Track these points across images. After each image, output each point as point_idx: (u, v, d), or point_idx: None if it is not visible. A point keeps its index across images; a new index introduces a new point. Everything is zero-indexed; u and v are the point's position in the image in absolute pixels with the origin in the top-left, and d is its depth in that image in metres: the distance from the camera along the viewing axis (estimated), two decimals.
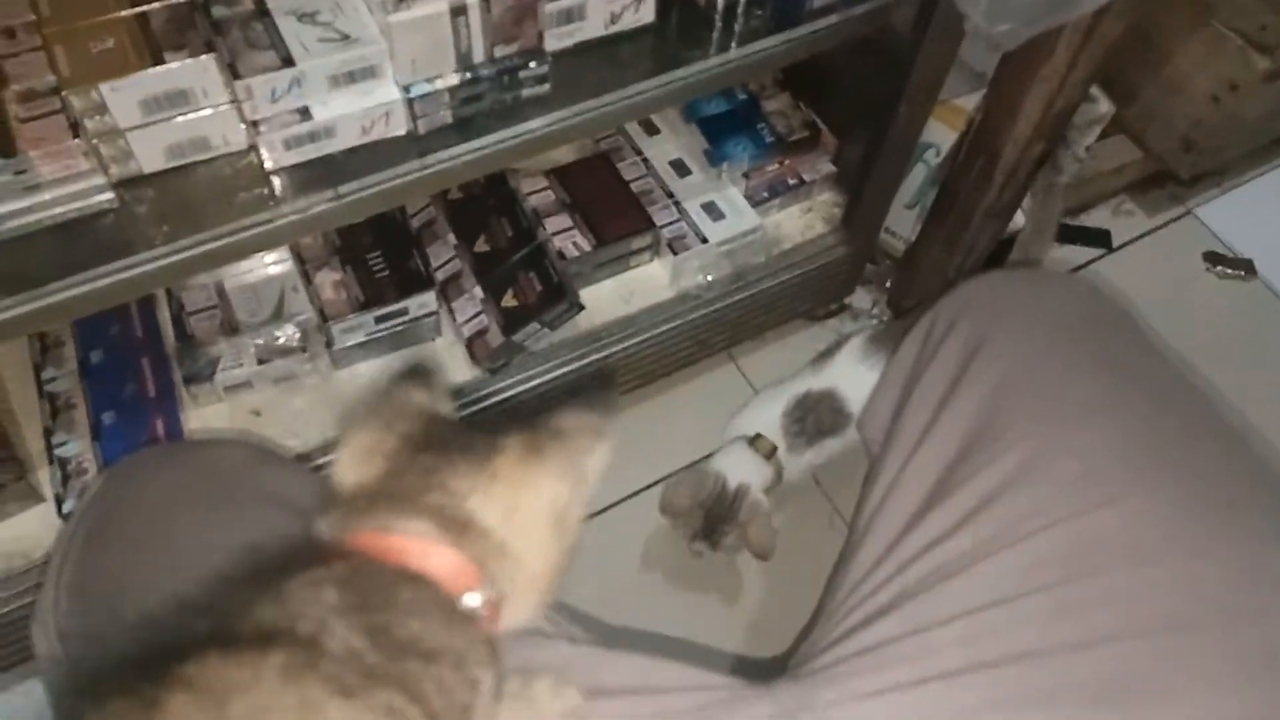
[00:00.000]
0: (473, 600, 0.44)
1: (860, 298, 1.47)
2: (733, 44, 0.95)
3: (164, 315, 1.08)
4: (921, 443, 0.66)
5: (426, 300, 1.10)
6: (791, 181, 1.30)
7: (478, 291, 1.14)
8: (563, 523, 0.47)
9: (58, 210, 0.76)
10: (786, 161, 1.29)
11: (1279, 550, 0.59)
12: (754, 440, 1.16)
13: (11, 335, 0.89)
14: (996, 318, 0.70)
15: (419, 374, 0.54)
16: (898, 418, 0.71)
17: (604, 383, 1.15)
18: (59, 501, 0.97)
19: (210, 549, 0.57)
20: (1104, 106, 1.32)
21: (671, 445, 1.31)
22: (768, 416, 1.18)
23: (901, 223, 1.36)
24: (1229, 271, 1.53)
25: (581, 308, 1.14)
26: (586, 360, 1.18)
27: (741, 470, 1.13)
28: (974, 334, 0.69)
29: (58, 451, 0.99)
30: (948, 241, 1.31)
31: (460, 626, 0.43)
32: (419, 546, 0.44)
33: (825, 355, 1.23)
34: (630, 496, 1.27)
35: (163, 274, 0.81)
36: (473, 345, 1.13)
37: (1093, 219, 1.60)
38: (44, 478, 1.00)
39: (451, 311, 1.14)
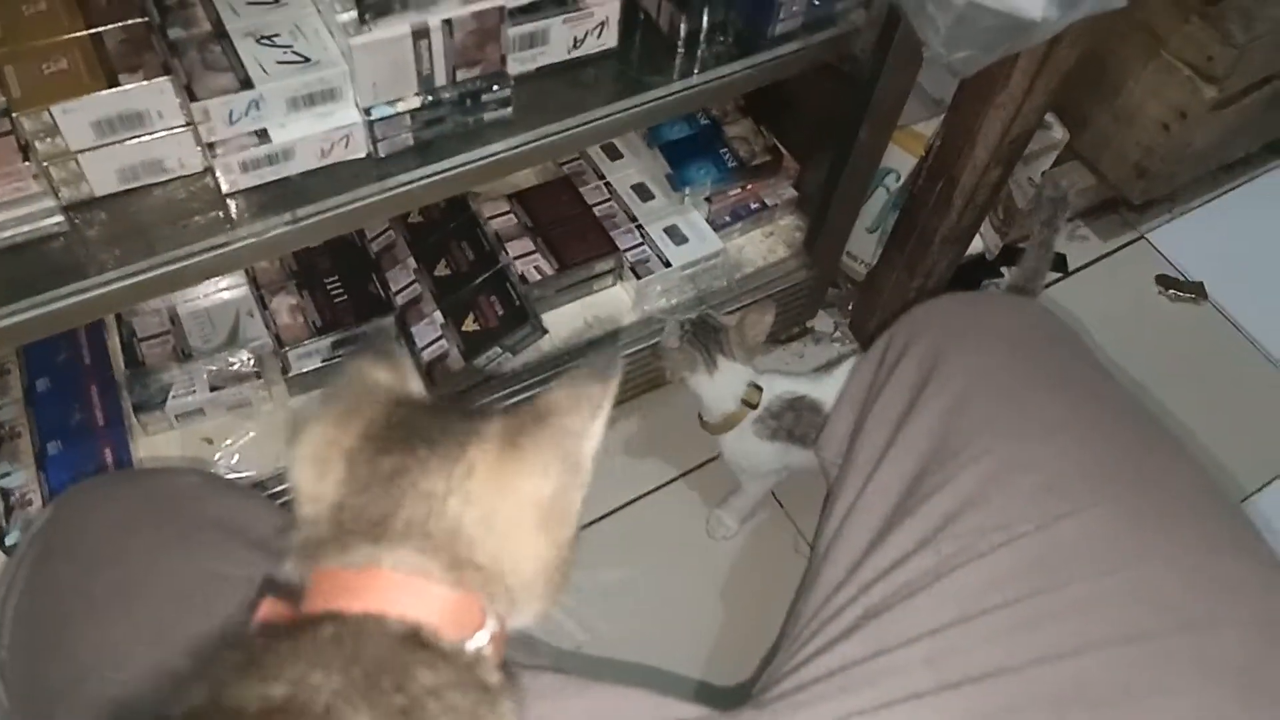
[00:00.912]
0: (481, 640, 0.40)
1: (823, 321, 1.48)
2: (695, 69, 0.95)
3: (114, 341, 1.05)
4: (880, 463, 0.66)
5: (384, 325, 1.09)
6: (754, 206, 1.31)
7: (438, 316, 1.12)
8: (555, 516, 0.42)
9: (5, 234, 0.74)
10: (749, 186, 1.30)
11: (1231, 558, 0.60)
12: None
13: None
14: (951, 338, 0.71)
15: (379, 350, 0.48)
16: (855, 439, 0.71)
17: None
18: (1, 534, 0.94)
19: (160, 575, 0.55)
20: (1058, 133, 1.35)
21: (635, 470, 1.31)
22: (774, 388, 1.14)
23: (863, 247, 1.37)
24: (1180, 295, 1.57)
25: (544, 331, 1.13)
26: (548, 383, 1.17)
27: (729, 370, 1.09)
28: (929, 354, 0.69)
29: (0, 482, 0.95)
30: (908, 265, 1.32)
31: (475, 681, 0.38)
32: (410, 586, 0.38)
33: (826, 368, 1.21)
34: (592, 523, 1.26)
35: (114, 298, 0.78)
36: (432, 370, 1.11)
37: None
38: None
39: (411, 336, 1.13)
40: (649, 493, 1.29)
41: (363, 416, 0.44)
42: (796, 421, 1.09)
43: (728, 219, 1.29)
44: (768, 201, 1.31)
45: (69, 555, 0.59)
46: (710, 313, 1.14)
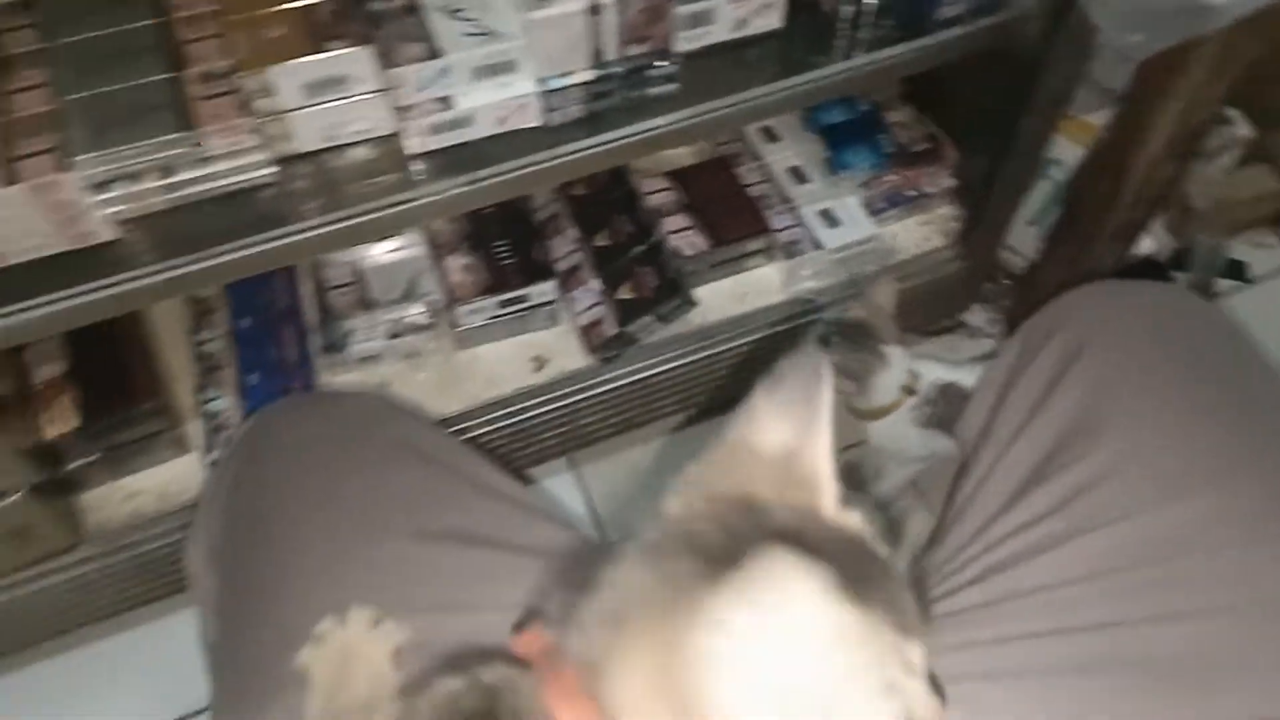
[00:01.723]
0: None
1: (976, 315, 1.45)
2: (857, 52, 0.97)
3: (306, 289, 1.16)
4: (1016, 439, 0.67)
5: (547, 288, 1.15)
6: (910, 193, 1.30)
7: (596, 283, 1.18)
8: None
9: (225, 182, 0.84)
10: (907, 173, 1.30)
11: None
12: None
13: (177, 292, 0.97)
14: (1096, 324, 0.70)
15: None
16: (993, 417, 0.72)
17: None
18: (206, 451, 1.06)
19: (342, 482, 0.63)
20: (1242, 130, 1.28)
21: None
22: (929, 374, 1.12)
23: (1023, 240, 1.34)
24: None
25: (694, 304, 1.17)
26: (697, 355, 1.21)
27: (894, 359, 1.10)
28: (1073, 340, 0.69)
29: (207, 407, 1.08)
30: (1070, 261, 1.29)
31: None
32: None
33: (981, 359, 1.20)
34: None
35: (311, 245, 0.88)
36: (588, 334, 1.17)
37: (1231, 249, 1.54)
38: (192, 430, 1.09)
39: (570, 300, 1.19)
40: None
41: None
42: (948, 409, 1.08)
43: (883, 205, 1.29)
44: (926, 189, 1.30)
45: (268, 460, 0.67)
46: (833, 317, 1.14)
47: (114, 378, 1.05)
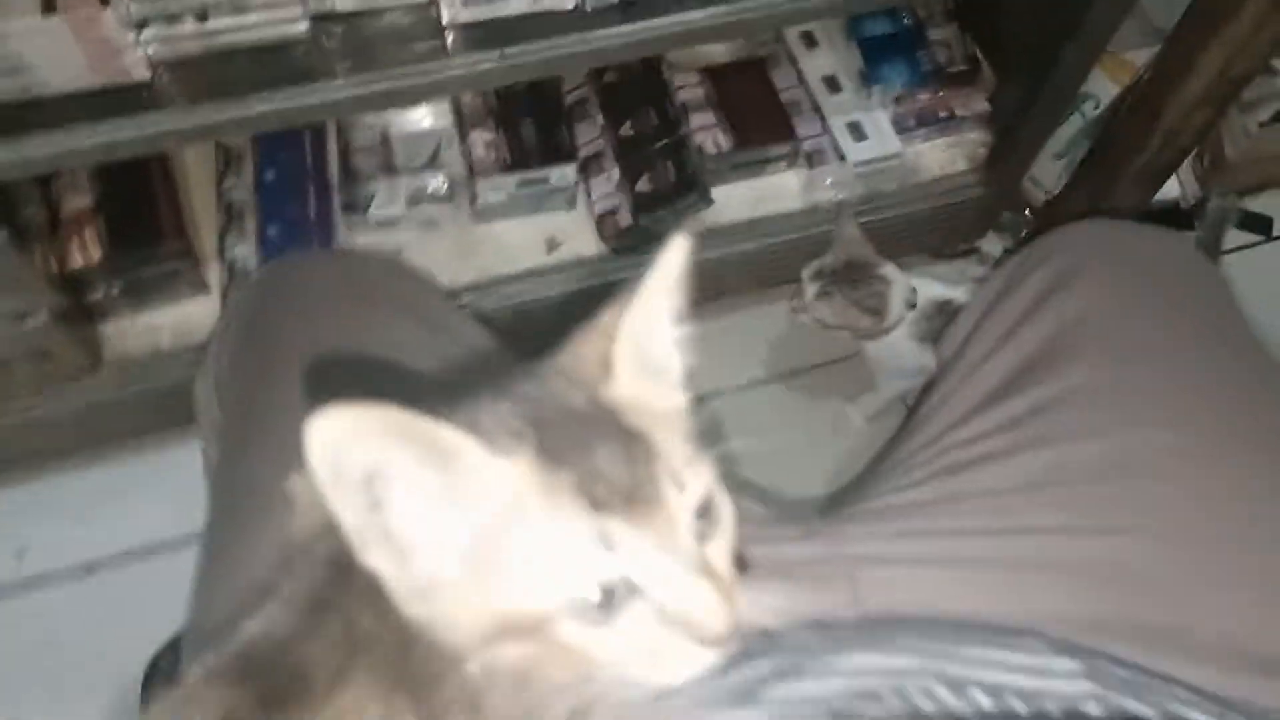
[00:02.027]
0: None
1: (991, 243, 1.46)
2: None
3: (332, 149, 1.17)
4: (985, 360, 0.69)
5: (567, 172, 1.17)
6: (942, 114, 1.29)
7: (615, 173, 1.19)
8: None
9: (258, 33, 0.85)
10: (941, 93, 1.29)
11: None
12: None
13: (204, 138, 1.00)
14: (1088, 257, 0.72)
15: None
16: (969, 337, 0.74)
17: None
18: (223, 295, 1.10)
19: (345, 334, 0.66)
20: None
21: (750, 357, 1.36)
22: (925, 290, 1.17)
23: (1047, 173, 1.34)
24: None
25: (711, 202, 1.18)
26: (707, 254, 1.22)
27: (895, 278, 1.14)
28: (1063, 270, 0.70)
29: (228, 253, 1.11)
30: (1092, 198, 1.28)
31: None
32: None
33: (982, 279, 1.21)
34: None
35: (341, 105, 0.89)
36: (602, 222, 1.19)
37: (1259, 204, 1.53)
38: (211, 274, 1.13)
39: (588, 187, 1.20)
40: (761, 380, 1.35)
41: None
42: (945, 325, 1.11)
43: (913, 123, 1.29)
44: (957, 112, 1.29)
45: (279, 306, 0.71)
46: (819, 268, 1.15)
47: (141, 215, 1.08)
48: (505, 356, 0.71)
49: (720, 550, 0.42)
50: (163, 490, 1.23)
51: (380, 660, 0.41)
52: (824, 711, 0.47)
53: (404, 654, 0.41)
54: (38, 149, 0.81)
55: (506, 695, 0.41)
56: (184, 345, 1.10)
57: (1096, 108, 1.21)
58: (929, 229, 1.36)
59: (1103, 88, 1.19)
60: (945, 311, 1.11)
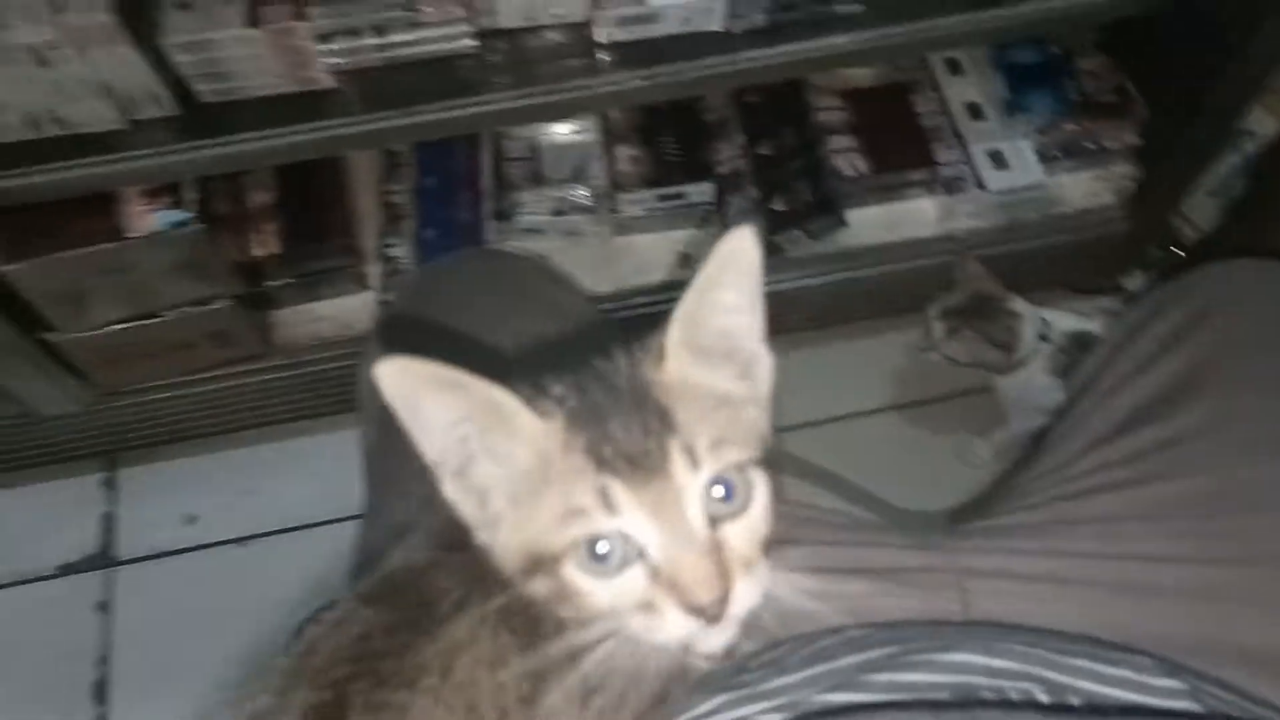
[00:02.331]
0: None
1: (1136, 281, 1.42)
2: None
3: (486, 158, 1.25)
4: (1115, 392, 0.69)
5: (705, 189, 1.21)
6: (1089, 145, 1.27)
7: (752, 190, 1.23)
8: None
9: (429, 47, 0.92)
10: (1087, 124, 1.27)
11: None
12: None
13: (376, 144, 1.08)
14: (1232, 297, 0.71)
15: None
16: (1102, 369, 0.74)
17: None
18: (381, 290, 1.19)
19: (496, 329, 0.72)
20: None
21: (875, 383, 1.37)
22: (1059, 324, 1.17)
23: (1200, 211, 1.30)
24: None
25: (845, 224, 1.20)
26: (837, 276, 1.24)
27: (1025, 312, 1.14)
28: (1203, 306, 0.70)
29: (388, 252, 1.20)
30: (1248, 239, 1.23)
31: None
32: None
33: (1117, 312, 1.20)
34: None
35: (499, 117, 0.96)
36: None
37: None
38: (373, 271, 1.22)
39: (725, 204, 1.24)
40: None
41: None
42: (1082, 358, 1.09)
43: (1057, 154, 1.27)
44: (1105, 144, 1.27)
45: (436, 301, 0.77)
46: (945, 308, 1.16)
47: (314, 213, 1.18)
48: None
49: (741, 532, 0.44)
50: (317, 472, 1.33)
51: (493, 599, 0.46)
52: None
53: (513, 597, 0.46)
54: (239, 148, 0.91)
55: (608, 654, 0.45)
56: (344, 335, 1.20)
57: (1255, 145, 1.17)
58: (1071, 263, 1.34)
59: (1265, 125, 1.14)
60: (1081, 345, 1.09)
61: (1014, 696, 0.49)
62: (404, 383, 0.41)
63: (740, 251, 0.45)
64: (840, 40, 0.96)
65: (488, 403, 0.42)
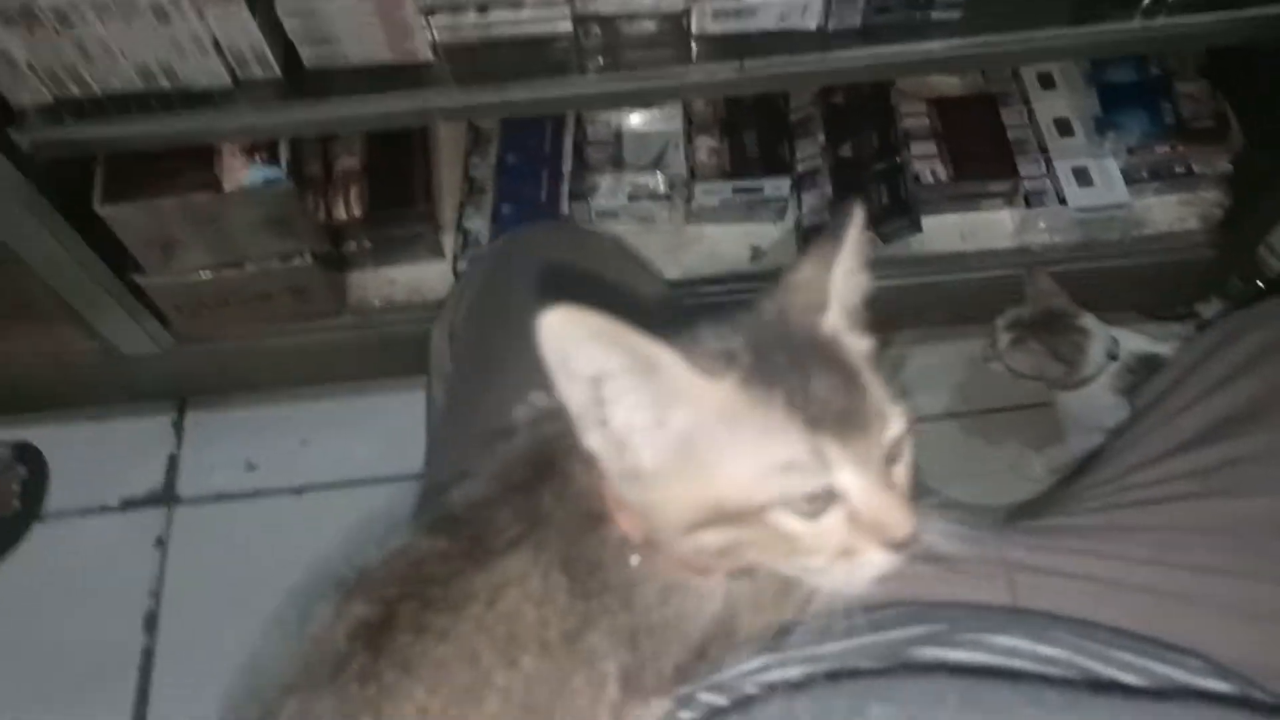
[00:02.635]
0: None
1: (1213, 310, 1.39)
2: (1159, 13, 0.94)
3: (568, 140, 1.27)
4: (1183, 412, 0.70)
5: (782, 185, 1.21)
6: (1179, 169, 1.25)
7: (829, 190, 1.23)
8: None
9: (528, 27, 0.94)
10: (1180, 148, 1.24)
11: None
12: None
13: (467, 117, 1.10)
14: None
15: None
16: (1171, 390, 0.74)
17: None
18: (456, 260, 1.21)
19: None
20: None
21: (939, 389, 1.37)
22: (1128, 344, 1.17)
23: None
24: None
25: (919, 230, 1.19)
26: (907, 281, 1.24)
27: (1093, 329, 1.15)
28: (1277, 336, 0.70)
29: (464, 224, 1.22)
30: None
31: None
32: None
33: (1188, 336, 1.19)
34: None
35: (588, 99, 0.98)
36: (808, 236, 1.22)
37: None
38: (448, 241, 1.24)
39: (800, 202, 1.24)
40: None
41: None
42: (1148, 378, 1.08)
43: (1145, 175, 1.25)
44: (1196, 169, 1.24)
45: (516, 269, 0.79)
46: (1016, 318, 1.17)
47: (397, 181, 1.20)
48: None
49: (903, 474, 0.47)
50: (376, 430, 1.37)
51: (550, 539, 0.48)
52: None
53: (573, 539, 0.48)
54: (336, 112, 0.93)
55: (659, 595, 0.48)
56: (416, 301, 1.22)
57: None
58: (1149, 286, 1.32)
59: None
60: (1149, 366, 1.08)
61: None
62: (566, 331, 0.41)
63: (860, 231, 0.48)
64: (934, 46, 0.95)
65: (647, 360, 0.43)
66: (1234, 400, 0.68)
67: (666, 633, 0.50)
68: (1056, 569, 0.62)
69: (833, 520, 0.44)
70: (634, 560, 0.48)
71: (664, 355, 0.43)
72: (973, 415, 1.38)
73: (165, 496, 1.39)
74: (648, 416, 0.44)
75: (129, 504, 1.39)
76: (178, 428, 1.44)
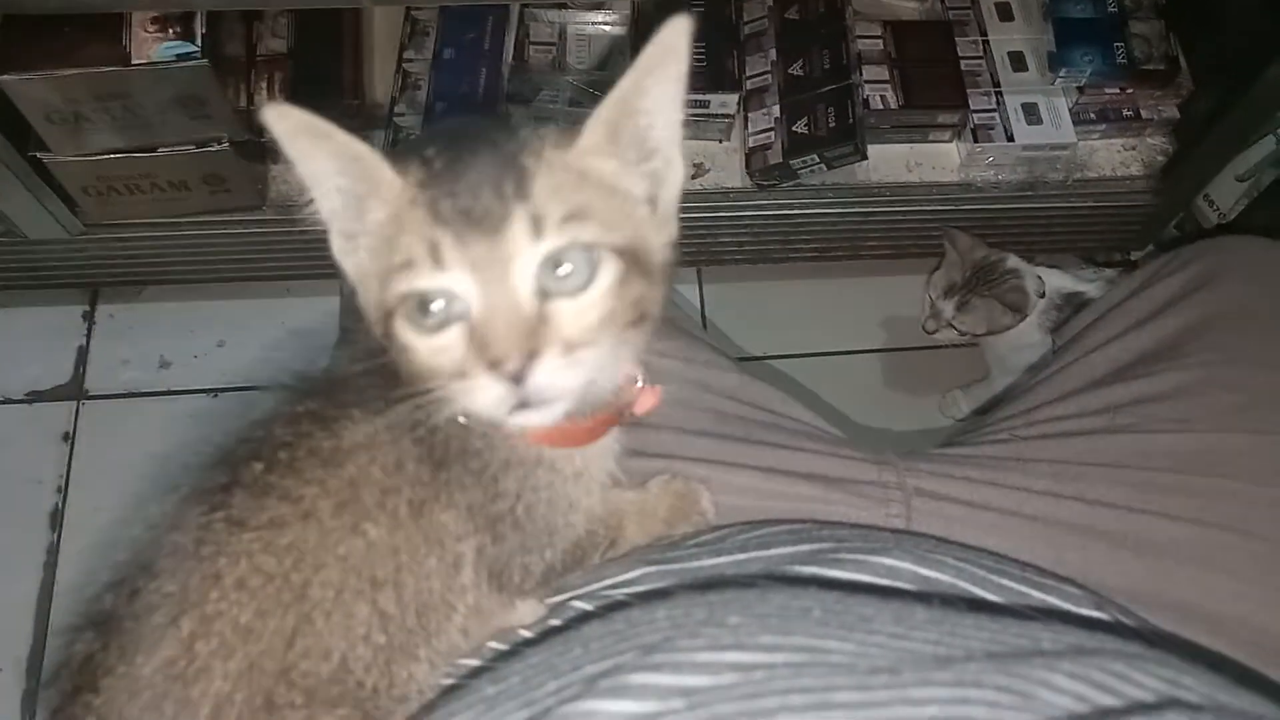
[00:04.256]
0: None
1: (1146, 258, 1.40)
2: None
3: (510, 38, 1.21)
4: (1101, 347, 0.70)
5: (729, 101, 1.17)
6: (1126, 113, 1.24)
7: (776, 110, 1.19)
8: None
9: None
10: (1129, 90, 1.23)
11: None
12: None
13: (400, 1, 1.03)
14: (1230, 269, 0.71)
15: None
16: (1092, 327, 0.74)
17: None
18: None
19: None
20: None
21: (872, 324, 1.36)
22: (1052, 281, 1.17)
23: (1225, 194, 1.27)
24: None
25: (864, 157, 1.17)
26: (848, 209, 1.22)
27: (1022, 268, 1.16)
28: (1201, 276, 0.70)
29: (396, 119, 1.17)
30: (1270, 227, 1.21)
31: None
32: None
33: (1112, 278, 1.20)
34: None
35: None
36: (751, 157, 1.19)
37: None
38: (378, 136, 1.18)
39: (746, 120, 1.21)
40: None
41: None
42: (1073, 317, 1.09)
43: (1092, 116, 1.24)
44: (1143, 113, 1.23)
45: None
46: (941, 288, 1.18)
47: (325, 69, 1.14)
48: None
49: (572, 311, 0.43)
50: (297, 335, 1.32)
51: (403, 409, 0.46)
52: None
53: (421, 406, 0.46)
54: None
55: (519, 478, 0.48)
56: None
57: None
58: (1086, 229, 1.31)
59: None
60: (1074, 305, 1.09)
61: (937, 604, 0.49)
62: (283, 127, 0.42)
63: (674, 49, 0.44)
64: None
65: (353, 155, 0.43)
66: (1152, 338, 0.68)
67: (534, 524, 0.49)
68: (954, 496, 0.63)
69: (452, 335, 0.42)
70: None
71: (363, 149, 0.43)
72: (902, 352, 1.38)
73: (74, 390, 1.34)
74: (362, 215, 0.44)
75: (36, 396, 1.33)
76: (88, 319, 1.38)
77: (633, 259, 0.43)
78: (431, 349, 0.42)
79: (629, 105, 0.44)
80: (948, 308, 1.17)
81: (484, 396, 0.42)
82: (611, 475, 0.53)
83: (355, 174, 0.43)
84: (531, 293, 0.42)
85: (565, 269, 0.42)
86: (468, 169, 0.42)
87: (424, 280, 0.41)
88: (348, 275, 0.46)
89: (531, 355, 0.41)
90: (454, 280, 0.41)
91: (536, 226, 0.42)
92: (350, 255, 0.46)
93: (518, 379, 0.41)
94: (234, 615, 0.45)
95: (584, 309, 0.42)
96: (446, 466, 0.48)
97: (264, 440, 0.49)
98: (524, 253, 0.42)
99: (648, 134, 0.45)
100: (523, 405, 0.42)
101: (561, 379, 0.42)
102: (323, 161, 0.43)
